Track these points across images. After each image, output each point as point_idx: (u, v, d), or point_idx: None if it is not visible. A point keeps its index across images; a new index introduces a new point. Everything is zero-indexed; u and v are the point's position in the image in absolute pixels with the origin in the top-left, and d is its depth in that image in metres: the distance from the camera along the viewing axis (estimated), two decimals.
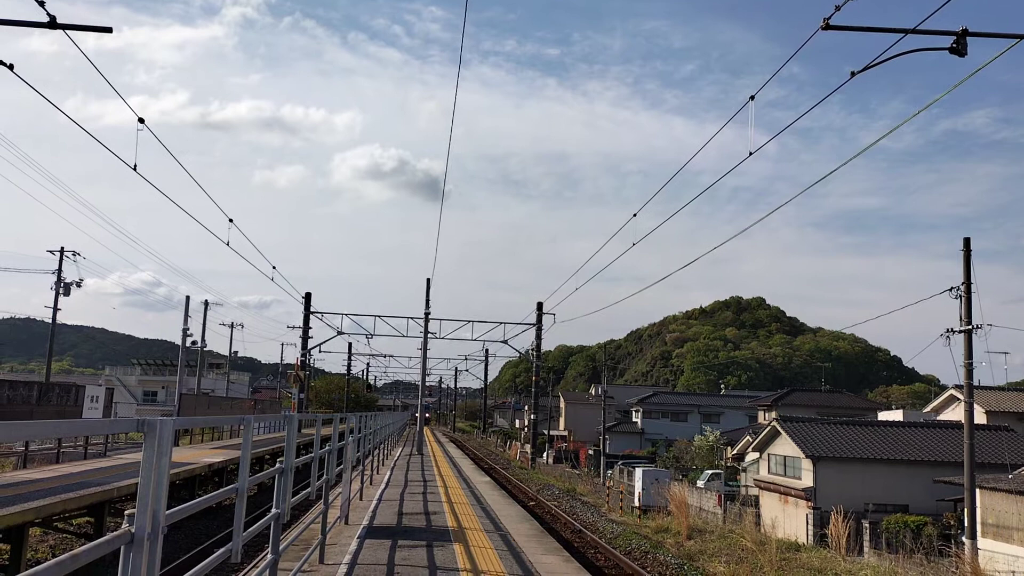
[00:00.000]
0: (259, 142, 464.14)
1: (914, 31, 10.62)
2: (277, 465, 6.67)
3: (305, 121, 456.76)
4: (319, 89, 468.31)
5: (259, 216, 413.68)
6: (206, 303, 55.96)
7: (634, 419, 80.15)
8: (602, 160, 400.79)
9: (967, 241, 24.17)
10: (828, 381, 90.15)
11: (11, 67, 11.04)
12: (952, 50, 10.57)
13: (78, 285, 44.12)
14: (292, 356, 74.13)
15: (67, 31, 11.20)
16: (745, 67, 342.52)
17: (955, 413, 39.54)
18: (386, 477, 21.86)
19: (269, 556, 6.54)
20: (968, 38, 10.57)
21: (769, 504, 36.62)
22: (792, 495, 34.57)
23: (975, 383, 25.69)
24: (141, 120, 14.25)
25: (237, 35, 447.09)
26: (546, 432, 74.69)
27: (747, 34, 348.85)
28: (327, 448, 10.35)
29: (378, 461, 23.94)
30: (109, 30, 12.21)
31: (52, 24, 10.92)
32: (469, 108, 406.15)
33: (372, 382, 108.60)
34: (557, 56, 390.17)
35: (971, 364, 23.93)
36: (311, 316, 44.83)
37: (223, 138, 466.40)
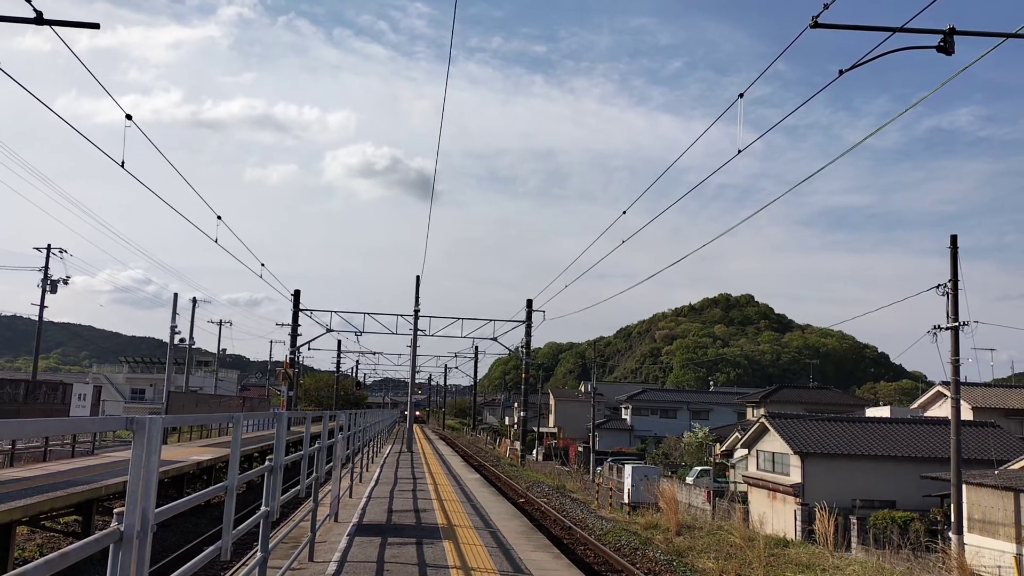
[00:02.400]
0: (251, 140, 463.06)
1: (901, 29, 10.67)
2: (266, 463, 6.66)
3: (298, 119, 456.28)
4: (307, 86, 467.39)
5: (250, 214, 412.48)
6: (194, 300, 55.72)
7: (623, 416, 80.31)
8: (590, 157, 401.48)
9: (954, 239, 24.32)
10: (816, 378, 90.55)
11: None
12: (939, 48, 10.63)
13: (65, 282, 43.87)
14: (281, 354, 73.91)
15: (54, 27, 11.12)
16: (730, 65, 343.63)
17: (942, 409, 39.79)
18: (376, 475, 21.84)
19: (259, 554, 6.54)
20: (955, 36, 10.63)
21: (758, 500, 36.78)
22: (780, 491, 34.72)
23: (962, 379, 25.86)
24: (128, 116, 14.18)
25: (233, 35, 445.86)
26: (536, 429, 74.73)
27: (733, 32, 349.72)
28: (316, 446, 10.34)
29: (368, 459, 23.92)
30: (96, 26, 12.14)
31: (39, 20, 10.85)
32: (456, 105, 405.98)
33: (361, 380, 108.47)
34: (544, 53, 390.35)
35: (958, 361, 24.08)
36: (300, 313, 44.73)
37: (216, 136, 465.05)
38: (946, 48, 10.63)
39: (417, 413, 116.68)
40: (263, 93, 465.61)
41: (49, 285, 42.95)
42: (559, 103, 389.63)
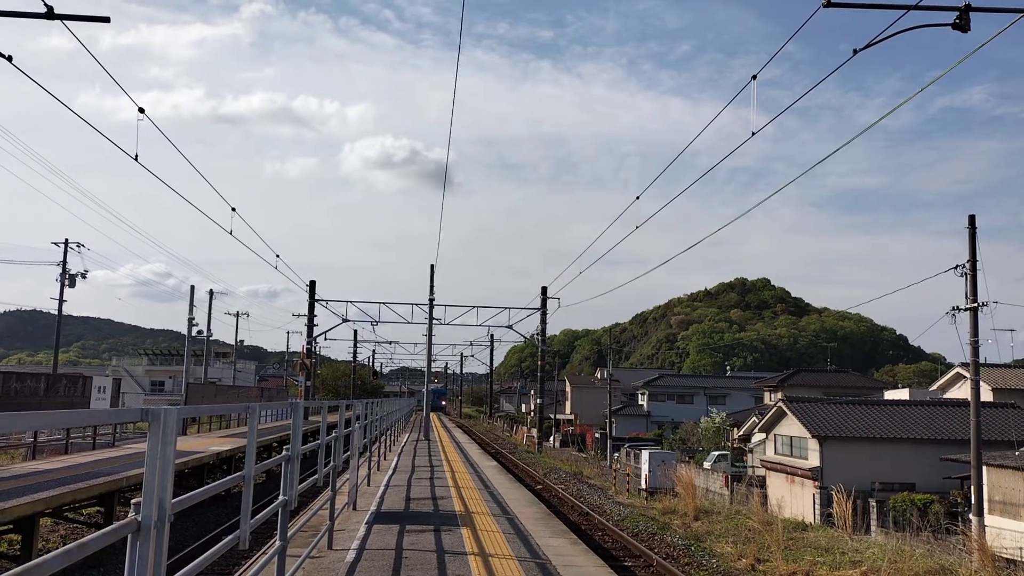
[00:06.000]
0: (271, 134, 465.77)
1: (916, 7, 10.53)
2: (284, 452, 6.70)
3: (317, 113, 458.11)
4: (314, 76, 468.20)
5: (269, 207, 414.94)
6: (211, 292, 55.94)
7: (640, 402, 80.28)
8: (599, 143, 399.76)
9: (972, 219, 24.04)
10: (834, 361, 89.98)
11: (10, 59, 11.01)
12: (955, 26, 10.48)
13: (83, 276, 44.26)
14: (298, 344, 74.38)
15: (64, 21, 11.16)
16: (739, 47, 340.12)
17: (962, 391, 39.50)
18: (393, 463, 21.95)
19: (277, 543, 6.58)
20: (971, 13, 10.48)
21: (776, 484, 36.70)
22: (799, 475, 34.63)
23: (981, 360, 25.65)
24: (141, 110, 14.24)
25: (256, 31, 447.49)
26: (552, 416, 74.82)
27: (741, 13, 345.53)
28: (334, 435, 10.38)
29: (385, 447, 24.03)
30: (107, 20, 12.19)
31: (50, 15, 10.88)
32: (466, 93, 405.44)
33: (378, 369, 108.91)
34: (551, 38, 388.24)
35: (977, 342, 23.87)
36: (316, 304, 44.93)
37: (235, 131, 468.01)
38: (962, 25, 10.48)
39: (443, 402, 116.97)
40: (283, 87, 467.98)
41: (67, 279, 43.33)
42: (568, 89, 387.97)
